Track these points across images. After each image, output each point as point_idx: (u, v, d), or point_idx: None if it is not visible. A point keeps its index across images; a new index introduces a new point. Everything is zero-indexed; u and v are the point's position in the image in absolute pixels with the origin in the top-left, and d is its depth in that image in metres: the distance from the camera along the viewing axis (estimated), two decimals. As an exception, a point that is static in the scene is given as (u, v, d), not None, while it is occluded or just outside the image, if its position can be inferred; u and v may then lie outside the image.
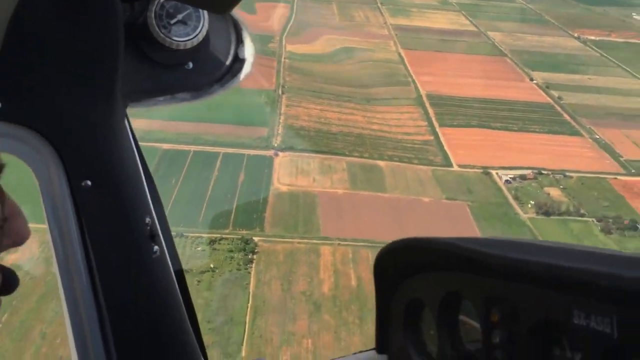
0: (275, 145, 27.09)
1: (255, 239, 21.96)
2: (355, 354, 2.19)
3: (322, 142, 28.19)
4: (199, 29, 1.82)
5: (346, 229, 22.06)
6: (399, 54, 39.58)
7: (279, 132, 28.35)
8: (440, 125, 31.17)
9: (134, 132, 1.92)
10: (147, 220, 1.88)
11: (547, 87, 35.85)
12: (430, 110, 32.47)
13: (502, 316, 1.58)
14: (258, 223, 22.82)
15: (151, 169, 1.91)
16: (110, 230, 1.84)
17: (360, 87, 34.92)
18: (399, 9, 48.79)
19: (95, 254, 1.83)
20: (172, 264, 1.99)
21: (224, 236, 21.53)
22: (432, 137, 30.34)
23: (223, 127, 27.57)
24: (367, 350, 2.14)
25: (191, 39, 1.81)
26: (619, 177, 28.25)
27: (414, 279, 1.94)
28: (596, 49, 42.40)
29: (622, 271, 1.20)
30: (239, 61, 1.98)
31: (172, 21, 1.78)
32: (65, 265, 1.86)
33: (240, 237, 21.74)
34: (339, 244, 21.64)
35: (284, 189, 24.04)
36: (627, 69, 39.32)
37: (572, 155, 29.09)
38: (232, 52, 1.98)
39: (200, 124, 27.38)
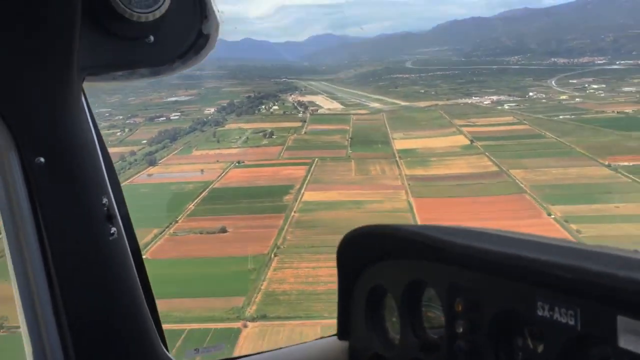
0: (248, 315, 24.96)
1: None
2: (317, 339, 2.25)
3: (302, 305, 25.84)
4: (162, 0, 1.66)
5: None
6: (409, 202, 37.77)
7: (257, 300, 26.34)
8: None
9: (91, 108, 1.82)
10: (104, 200, 1.79)
11: (565, 220, 32.51)
12: (430, 259, 29.77)
13: (466, 306, 1.58)
14: (198, 409, 20.16)
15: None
16: (65, 210, 1.71)
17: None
18: (418, 160, 47.97)
19: (49, 235, 1.69)
20: (129, 246, 1.91)
21: None
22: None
23: (196, 302, 25.96)
24: (328, 337, 2.22)
25: (153, 10, 1.65)
26: None
27: (378, 266, 1.98)
28: (627, 175, 38.95)
29: (587, 264, 1.24)
30: (202, 37, 1.87)
31: None
32: (18, 247, 1.72)
33: None
34: None
35: (241, 365, 21.47)
36: (663, 191, 35.57)
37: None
38: (195, 27, 1.86)
39: (173, 300, 25.88)
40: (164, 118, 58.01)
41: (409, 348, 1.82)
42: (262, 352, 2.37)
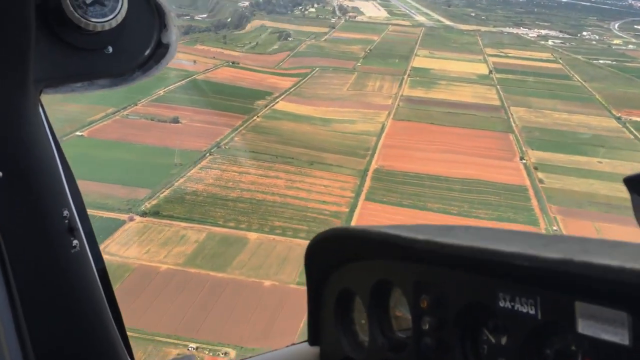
0: (142, 209, 23.27)
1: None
2: (287, 347, 2.14)
3: (201, 209, 23.98)
4: (118, 9, 1.65)
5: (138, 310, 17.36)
6: (383, 126, 34.72)
7: (162, 195, 24.60)
8: (366, 199, 25.74)
9: (49, 119, 1.80)
10: (65, 213, 1.75)
11: (535, 168, 29.03)
12: (368, 183, 27.18)
13: (431, 302, 1.57)
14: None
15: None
16: (25, 224, 1.68)
17: (313, 149, 30.55)
18: (426, 81, 44.39)
19: (9, 251, 1.67)
20: (93, 259, 1.86)
21: None
22: (347, 210, 24.96)
23: (102, 186, 24.29)
24: (299, 343, 2.11)
25: (109, 20, 1.64)
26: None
27: (344, 269, 1.90)
28: (633, 131, 34.55)
29: (545, 252, 1.22)
30: (162, 46, 1.83)
31: (88, 0, 1.59)
32: None
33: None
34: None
35: (101, 259, 19.90)
36: (659, 152, 31.28)
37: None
38: (154, 36, 1.82)
39: (79, 182, 24.39)
40: (189, 17, 55.83)
41: (378, 349, 1.80)
42: None
